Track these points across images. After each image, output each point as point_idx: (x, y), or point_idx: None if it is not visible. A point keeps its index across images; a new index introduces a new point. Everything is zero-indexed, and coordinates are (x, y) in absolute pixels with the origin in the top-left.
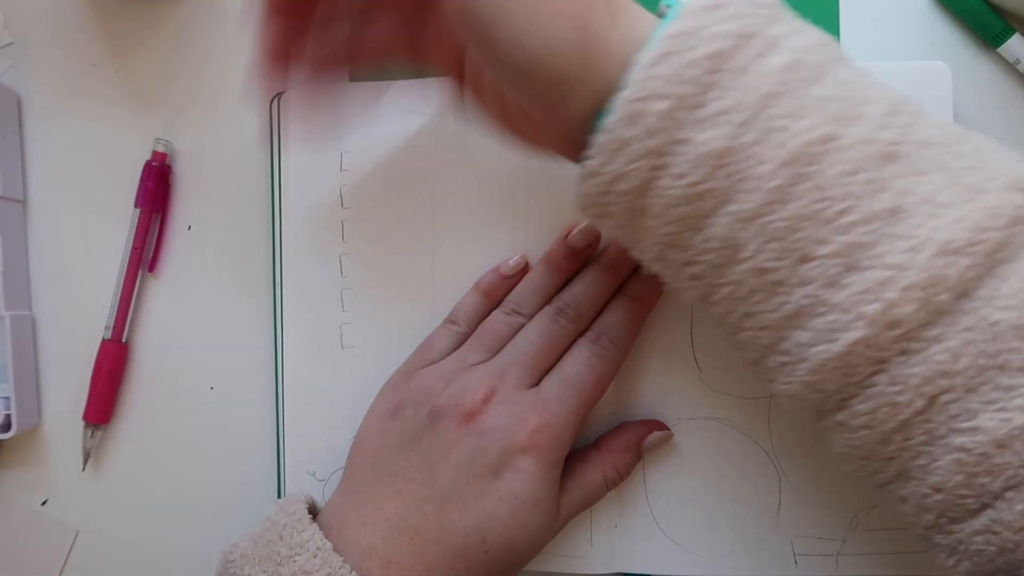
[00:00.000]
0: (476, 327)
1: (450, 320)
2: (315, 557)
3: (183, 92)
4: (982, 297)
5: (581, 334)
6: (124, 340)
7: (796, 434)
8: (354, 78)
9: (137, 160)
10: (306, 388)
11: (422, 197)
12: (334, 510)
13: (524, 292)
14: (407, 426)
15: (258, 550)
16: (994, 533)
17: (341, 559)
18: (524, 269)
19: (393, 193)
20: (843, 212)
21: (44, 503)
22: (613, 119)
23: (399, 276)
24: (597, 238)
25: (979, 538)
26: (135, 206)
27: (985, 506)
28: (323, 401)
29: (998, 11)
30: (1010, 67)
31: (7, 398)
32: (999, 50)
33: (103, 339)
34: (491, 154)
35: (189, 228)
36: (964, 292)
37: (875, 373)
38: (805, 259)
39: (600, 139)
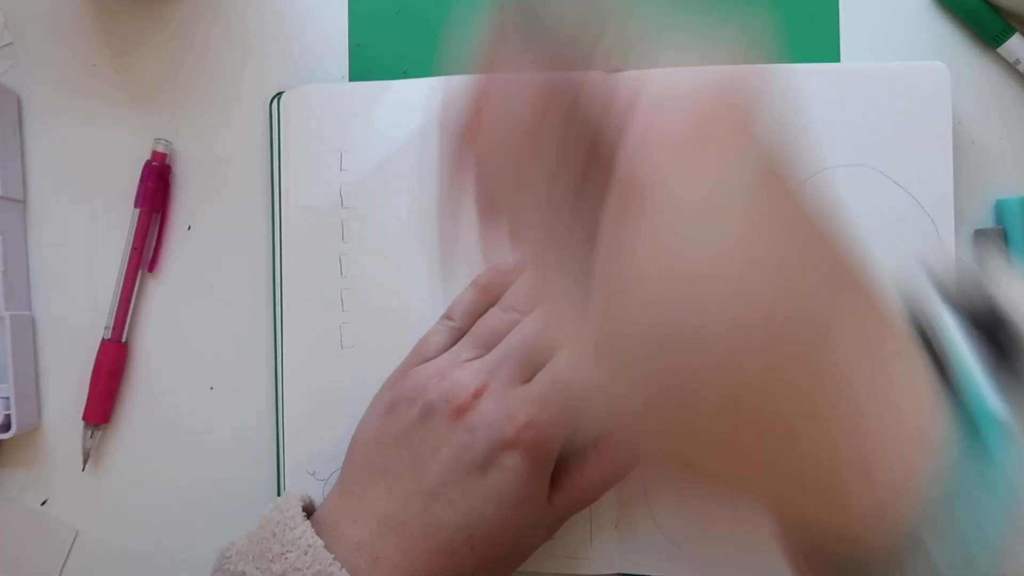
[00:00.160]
0: (473, 323)
1: (447, 316)
2: (306, 554)
3: (183, 92)
4: None
5: None
6: (124, 340)
7: None
8: (354, 77)
9: (137, 160)
10: (306, 388)
11: (421, 196)
12: (328, 507)
13: (522, 289)
14: (400, 423)
15: (252, 547)
16: None
17: (331, 556)
18: (523, 267)
19: (392, 192)
20: None
21: (44, 503)
22: None
23: (399, 276)
24: None
25: None
26: (135, 206)
27: None
28: (323, 401)
29: (998, 11)
30: (1010, 67)
31: (7, 398)
32: (999, 50)
33: (103, 339)
34: None
35: (189, 228)
36: None
37: None
38: None
39: None
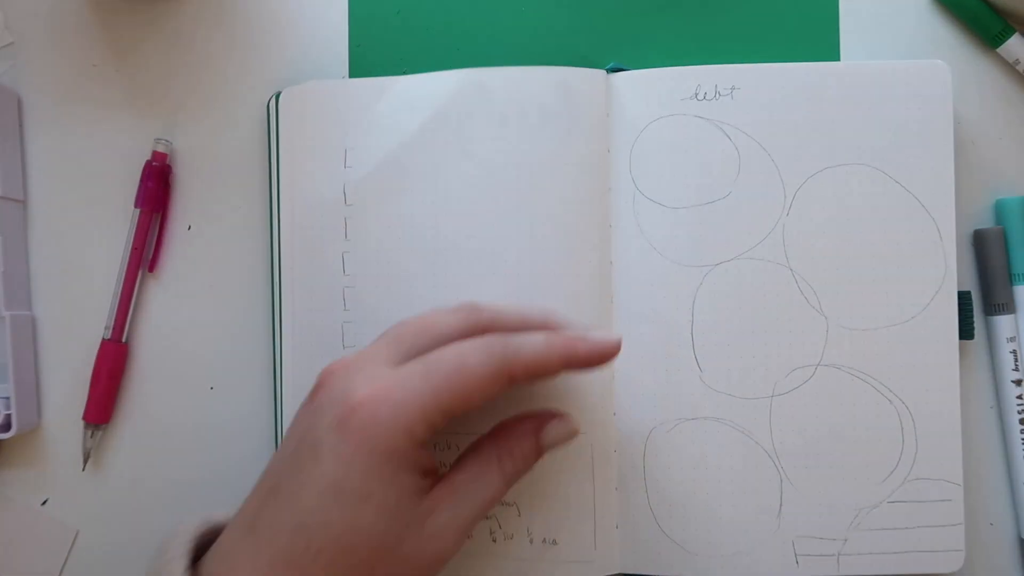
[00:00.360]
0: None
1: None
2: None
3: (183, 92)
4: None
5: None
6: (124, 340)
7: (797, 434)
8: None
9: (137, 160)
10: (307, 388)
11: (425, 194)
12: (227, 534)
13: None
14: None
15: None
16: None
17: None
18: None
19: (396, 190)
20: None
21: (44, 503)
22: None
23: (402, 275)
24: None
25: None
26: (135, 206)
27: None
28: None
29: (998, 11)
30: (1010, 67)
31: (7, 398)
32: (999, 50)
33: (103, 339)
34: (493, 149)
35: (189, 228)
36: None
37: None
38: None
39: None
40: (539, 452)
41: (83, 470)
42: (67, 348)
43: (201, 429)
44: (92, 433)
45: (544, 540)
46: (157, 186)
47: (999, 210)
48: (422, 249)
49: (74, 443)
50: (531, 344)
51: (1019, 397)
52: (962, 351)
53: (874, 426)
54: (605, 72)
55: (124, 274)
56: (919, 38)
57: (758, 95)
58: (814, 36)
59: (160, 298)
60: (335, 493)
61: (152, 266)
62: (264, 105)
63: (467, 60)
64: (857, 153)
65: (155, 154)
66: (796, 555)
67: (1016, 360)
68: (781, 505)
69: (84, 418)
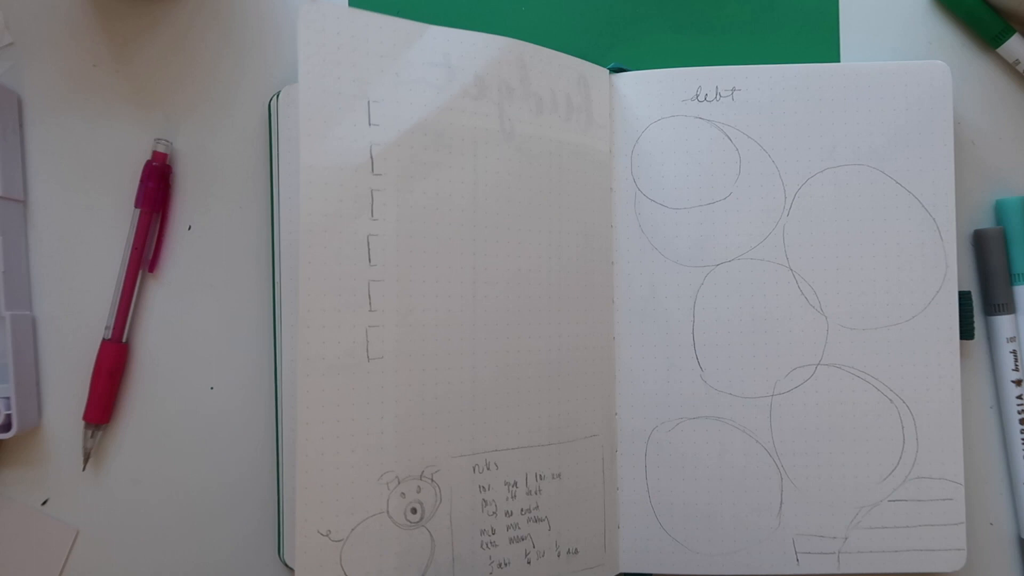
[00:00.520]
0: None
1: None
2: None
3: (183, 92)
4: None
5: None
6: (124, 340)
7: (797, 433)
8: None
9: (137, 160)
10: (320, 414)
11: (464, 171)
12: None
13: None
14: None
15: None
16: None
17: None
18: None
19: (435, 164)
20: None
21: (44, 503)
22: None
23: (444, 267)
24: None
25: None
26: (135, 206)
27: None
28: (342, 433)
29: (998, 11)
30: (1010, 67)
31: (7, 398)
32: (999, 50)
33: (103, 339)
34: (531, 135)
35: (189, 228)
36: None
37: None
38: None
39: None
40: None
41: (83, 470)
42: (67, 348)
43: (201, 429)
44: (92, 433)
45: (568, 551)
46: (157, 186)
47: (999, 210)
48: (460, 236)
49: (74, 443)
50: None
51: (1019, 397)
52: (962, 351)
53: (874, 425)
54: (608, 71)
55: (124, 274)
56: (919, 38)
57: (758, 96)
58: (814, 36)
59: (160, 298)
60: None
61: (152, 266)
62: (264, 105)
63: None
64: (857, 153)
65: (155, 154)
66: (796, 553)
67: (1016, 360)
68: (781, 503)
69: (84, 418)
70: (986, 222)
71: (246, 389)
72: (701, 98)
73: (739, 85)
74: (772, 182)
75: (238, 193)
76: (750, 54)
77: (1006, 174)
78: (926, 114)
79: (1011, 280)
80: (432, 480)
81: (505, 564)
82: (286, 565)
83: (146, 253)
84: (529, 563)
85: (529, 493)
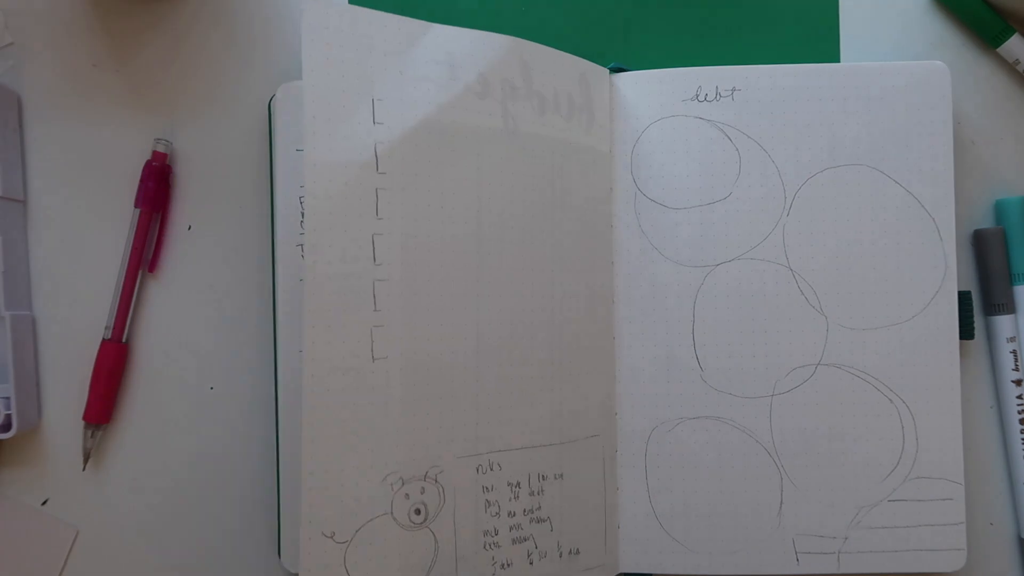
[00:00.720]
0: None
1: None
2: None
3: (183, 92)
4: None
5: None
6: (124, 340)
7: (797, 433)
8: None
9: (137, 160)
10: (325, 414)
11: (468, 170)
12: None
13: None
14: None
15: None
16: None
17: None
18: None
19: (440, 162)
20: None
21: (44, 503)
22: None
23: (445, 264)
24: None
25: None
26: (135, 206)
27: None
28: (346, 432)
29: (998, 11)
30: (1010, 67)
31: (7, 398)
32: (999, 50)
33: (103, 339)
34: (534, 133)
35: (189, 228)
36: None
37: None
38: None
39: None
40: None
41: (83, 470)
42: (67, 348)
43: (201, 429)
44: (92, 433)
45: (570, 551)
46: (157, 186)
47: (999, 210)
48: (464, 236)
49: (74, 443)
50: None
51: (1019, 397)
52: (962, 351)
53: (874, 425)
54: (609, 71)
55: (124, 274)
56: (919, 38)
57: (758, 96)
58: (814, 36)
59: (160, 298)
60: None
61: (152, 266)
62: (264, 105)
63: None
64: (857, 153)
65: (155, 154)
66: (796, 553)
67: (1016, 360)
68: (781, 503)
69: (84, 418)
70: (986, 222)
71: (246, 389)
72: (701, 98)
73: (739, 85)
74: (772, 182)
75: (238, 193)
76: (750, 54)
77: (1006, 174)
78: (926, 114)
79: (1011, 280)
80: (436, 481)
81: (508, 565)
82: (288, 573)
83: (146, 253)
84: (531, 564)
85: (532, 494)
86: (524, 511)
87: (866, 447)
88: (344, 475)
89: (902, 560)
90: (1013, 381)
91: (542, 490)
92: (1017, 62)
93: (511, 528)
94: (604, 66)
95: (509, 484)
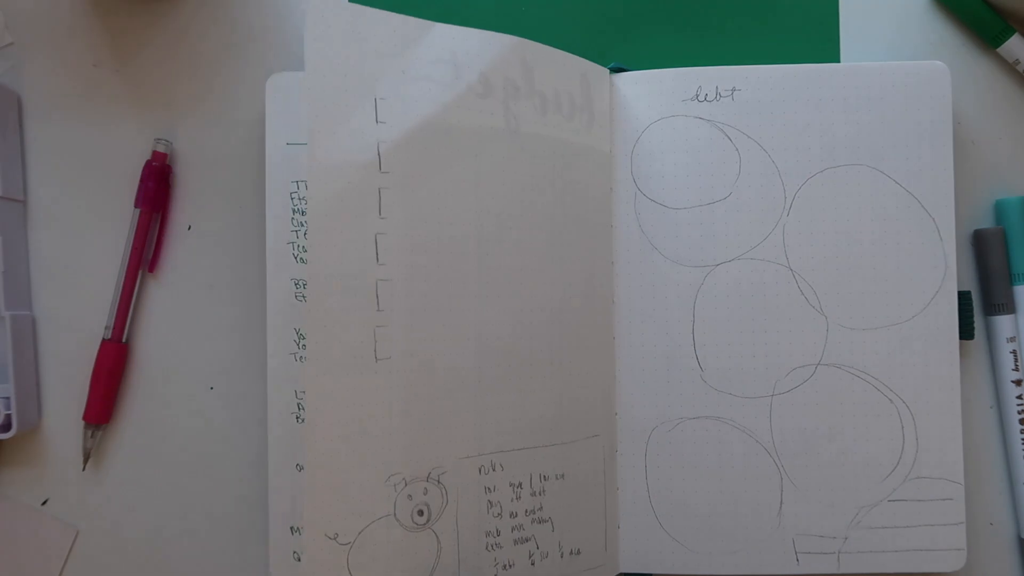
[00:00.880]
0: None
1: None
2: None
3: (183, 92)
4: None
5: None
6: (124, 340)
7: (797, 433)
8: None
9: (137, 160)
10: (328, 415)
11: (469, 170)
12: None
13: None
14: None
15: None
16: None
17: None
18: None
19: (444, 161)
20: None
21: (44, 503)
22: None
23: (446, 263)
24: None
25: None
26: (135, 206)
27: None
28: (349, 434)
29: (998, 11)
30: (1010, 67)
31: (7, 398)
32: (999, 50)
33: (103, 339)
34: (536, 133)
35: (189, 228)
36: None
37: None
38: None
39: None
40: None
41: (83, 470)
42: (67, 348)
43: (201, 429)
44: (92, 433)
45: (571, 551)
46: (157, 186)
47: (999, 210)
48: (465, 236)
49: (74, 443)
50: None
51: (1019, 397)
52: (962, 351)
53: (874, 425)
54: (609, 71)
55: (124, 274)
56: (919, 38)
57: (758, 96)
58: (814, 37)
59: (160, 298)
60: None
61: (152, 266)
62: (263, 104)
63: None
64: (857, 153)
65: (155, 154)
66: (796, 553)
67: (1016, 360)
68: (781, 503)
69: (84, 418)
70: (986, 222)
71: (246, 389)
72: (701, 98)
73: (739, 85)
74: (772, 182)
75: (238, 193)
76: (750, 54)
77: (1006, 174)
78: (925, 114)
79: (1011, 280)
80: (439, 482)
81: (510, 566)
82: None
83: (146, 253)
84: (533, 564)
85: (533, 494)
86: (526, 511)
87: (866, 447)
88: (347, 476)
89: (902, 560)
90: (1013, 381)
91: (544, 490)
92: (1017, 62)
93: (513, 529)
94: (604, 66)
95: (511, 484)
